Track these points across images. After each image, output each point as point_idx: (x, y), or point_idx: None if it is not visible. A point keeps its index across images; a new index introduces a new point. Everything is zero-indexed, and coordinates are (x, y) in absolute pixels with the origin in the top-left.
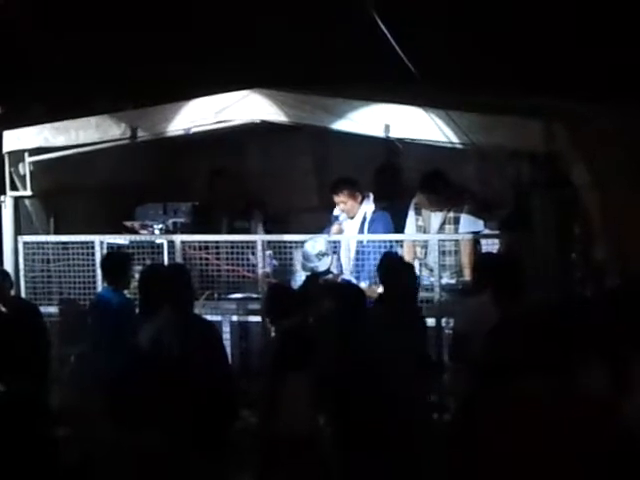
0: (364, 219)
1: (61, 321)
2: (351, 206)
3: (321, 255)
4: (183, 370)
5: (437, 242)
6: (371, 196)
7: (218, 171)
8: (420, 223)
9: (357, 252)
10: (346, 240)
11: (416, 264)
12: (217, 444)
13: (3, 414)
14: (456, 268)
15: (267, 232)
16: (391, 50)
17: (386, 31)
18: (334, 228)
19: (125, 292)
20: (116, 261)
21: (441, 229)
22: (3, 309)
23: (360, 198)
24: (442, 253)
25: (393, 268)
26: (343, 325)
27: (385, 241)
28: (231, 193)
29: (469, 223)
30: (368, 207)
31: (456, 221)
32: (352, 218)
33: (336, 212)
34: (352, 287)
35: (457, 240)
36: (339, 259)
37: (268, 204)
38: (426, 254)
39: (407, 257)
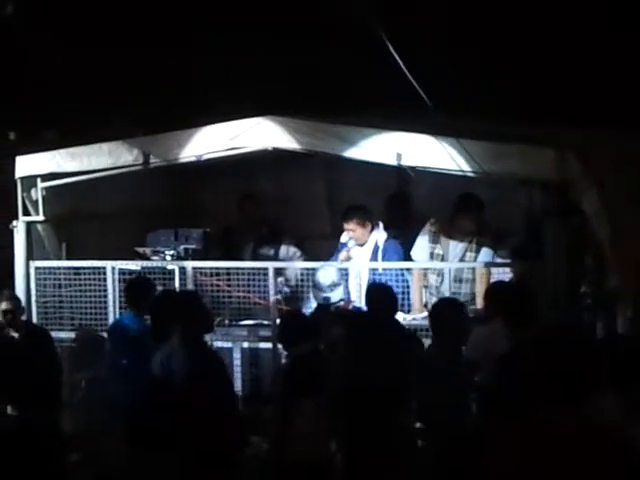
0: (376, 247)
1: (74, 346)
2: (360, 234)
3: (333, 285)
4: (189, 398)
5: (450, 270)
6: (381, 224)
7: (247, 196)
8: (438, 251)
9: (368, 280)
10: (356, 268)
11: (424, 292)
12: (225, 470)
13: (15, 439)
14: (469, 296)
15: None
16: (403, 78)
17: (398, 59)
18: (342, 255)
19: (146, 318)
20: (139, 286)
21: (463, 257)
22: (15, 334)
23: (370, 226)
24: (459, 281)
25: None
26: (355, 352)
27: (397, 269)
28: (258, 219)
29: (488, 253)
30: (380, 235)
31: (477, 250)
32: (361, 246)
33: (343, 239)
34: (364, 315)
35: (473, 268)
36: (347, 287)
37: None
38: (442, 282)
39: (416, 284)
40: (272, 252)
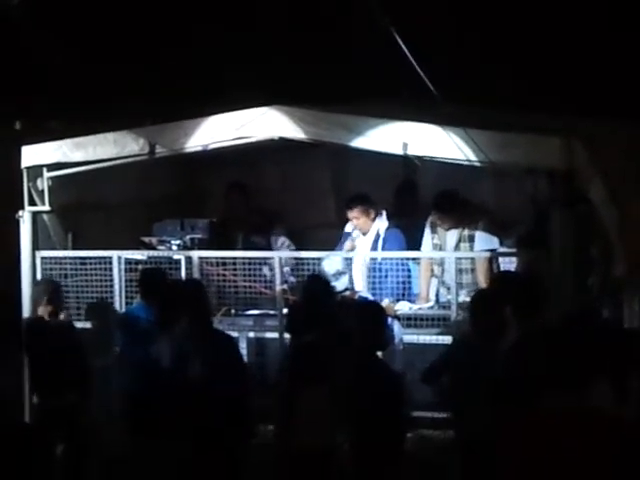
0: (377, 236)
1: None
2: (363, 222)
3: (338, 274)
4: (200, 383)
5: (454, 260)
6: (384, 213)
7: (233, 185)
8: (436, 241)
9: (370, 269)
10: (360, 257)
11: (433, 282)
12: (232, 458)
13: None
14: (473, 286)
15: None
16: (409, 68)
17: (405, 48)
18: (347, 244)
19: None
20: (152, 276)
21: (457, 247)
22: (62, 318)
23: (373, 215)
24: (459, 271)
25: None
26: (362, 341)
27: (399, 258)
28: (246, 208)
29: (484, 241)
30: (381, 224)
31: (471, 239)
32: (365, 234)
33: (348, 229)
34: (371, 304)
35: (473, 258)
36: (351, 276)
37: (286, 220)
38: (443, 272)
39: (424, 274)
40: (263, 241)
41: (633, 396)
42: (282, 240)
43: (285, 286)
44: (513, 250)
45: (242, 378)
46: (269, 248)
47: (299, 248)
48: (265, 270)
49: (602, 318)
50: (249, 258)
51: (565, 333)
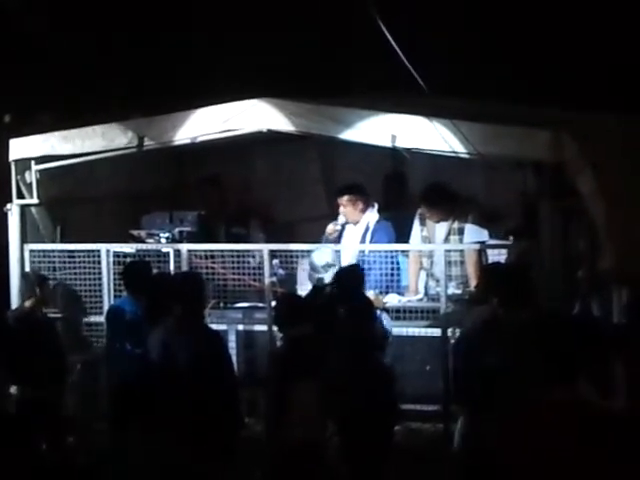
0: (367, 228)
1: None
2: (351, 212)
3: (327, 266)
4: (188, 378)
5: (443, 252)
6: (375, 205)
7: (209, 179)
8: (425, 234)
9: (359, 262)
10: (349, 250)
11: (422, 274)
12: (222, 451)
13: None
14: (462, 278)
15: (269, 240)
16: (397, 60)
17: (392, 40)
18: (329, 228)
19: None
20: (137, 270)
21: (446, 240)
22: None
23: (362, 205)
24: (448, 263)
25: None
26: (351, 333)
27: (388, 250)
28: (223, 201)
29: (474, 233)
30: (372, 216)
31: (460, 232)
32: (355, 225)
33: (340, 220)
34: (359, 296)
35: (462, 250)
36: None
37: (274, 212)
38: (432, 264)
39: (413, 267)
40: (244, 231)
41: (616, 388)
42: (255, 232)
43: (274, 279)
44: (502, 242)
45: (230, 371)
46: (248, 239)
47: (289, 240)
48: (254, 263)
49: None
50: (237, 251)
51: (549, 325)
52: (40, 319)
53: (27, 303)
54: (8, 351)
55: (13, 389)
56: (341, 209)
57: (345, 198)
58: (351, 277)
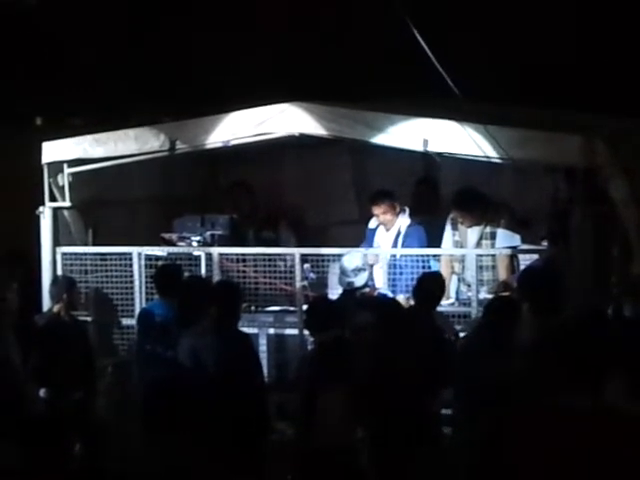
0: (398, 232)
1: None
2: (390, 218)
3: (357, 270)
4: (223, 380)
5: (475, 257)
6: (407, 210)
7: (240, 183)
8: (457, 238)
9: (391, 266)
10: (383, 254)
11: (454, 279)
12: (250, 456)
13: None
14: (493, 283)
15: (300, 244)
16: (430, 65)
17: (425, 46)
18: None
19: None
20: (168, 273)
21: (478, 244)
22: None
23: (397, 210)
24: (479, 268)
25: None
26: (382, 338)
27: (420, 255)
28: (254, 205)
29: (506, 238)
30: (403, 220)
31: (493, 236)
32: (388, 230)
33: (372, 225)
34: (390, 301)
35: (494, 255)
36: (371, 272)
37: (305, 216)
38: (464, 269)
39: (444, 271)
40: (273, 235)
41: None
42: (287, 235)
43: (305, 282)
44: (534, 247)
45: (260, 374)
46: (278, 242)
47: (320, 244)
48: (285, 266)
49: (620, 315)
50: (269, 254)
51: (581, 330)
52: (68, 323)
53: (55, 307)
54: (37, 354)
55: (42, 392)
56: (380, 217)
57: (383, 205)
58: (434, 284)
